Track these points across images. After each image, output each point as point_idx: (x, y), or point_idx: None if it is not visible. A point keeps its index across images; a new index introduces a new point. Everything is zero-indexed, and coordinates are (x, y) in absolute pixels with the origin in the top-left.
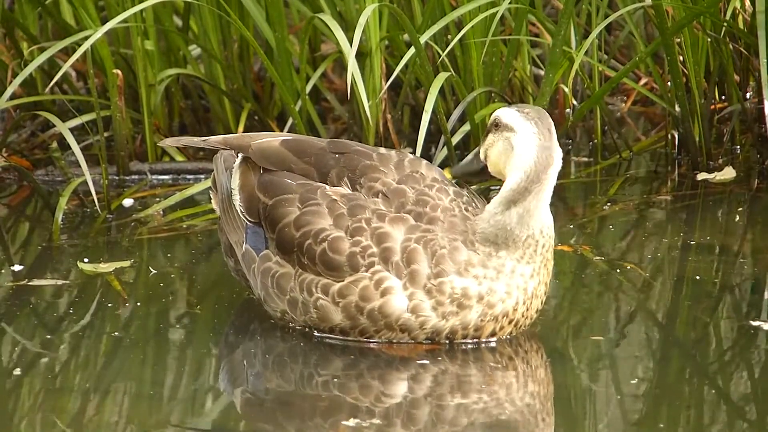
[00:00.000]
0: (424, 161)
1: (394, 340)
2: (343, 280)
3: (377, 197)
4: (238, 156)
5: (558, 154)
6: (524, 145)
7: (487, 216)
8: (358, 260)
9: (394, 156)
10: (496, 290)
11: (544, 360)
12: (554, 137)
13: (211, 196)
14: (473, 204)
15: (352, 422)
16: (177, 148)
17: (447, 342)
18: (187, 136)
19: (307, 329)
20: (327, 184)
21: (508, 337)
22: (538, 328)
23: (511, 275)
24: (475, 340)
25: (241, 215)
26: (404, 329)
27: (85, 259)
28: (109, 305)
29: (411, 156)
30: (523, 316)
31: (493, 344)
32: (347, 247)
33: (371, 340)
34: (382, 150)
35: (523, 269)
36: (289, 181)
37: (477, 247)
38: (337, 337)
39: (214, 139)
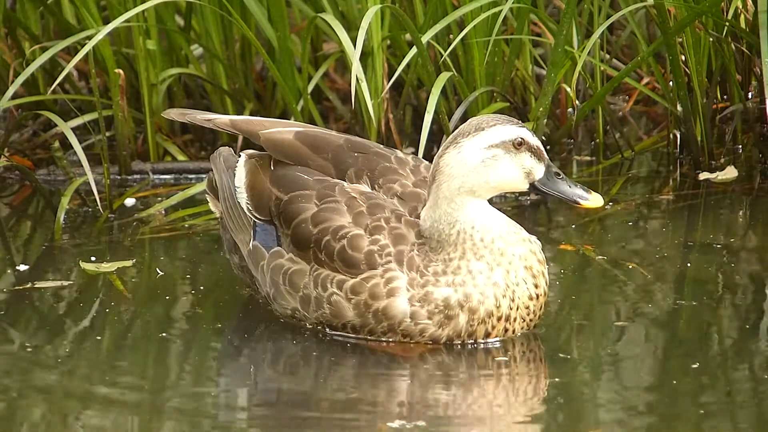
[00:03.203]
0: None
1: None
2: (356, 277)
3: (394, 198)
4: (240, 154)
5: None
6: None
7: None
8: (376, 258)
9: (410, 160)
10: (471, 293)
11: (546, 359)
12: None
13: (209, 199)
14: None
15: (396, 423)
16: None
17: (458, 343)
18: (192, 113)
19: (318, 326)
20: (345, 181)
21: (516, 333)
22: (542, 329)
23: (476, 275)
24: (480, 341)
25: (248, 213)
26: (405, 335)
27: (92, 258)
28: (112, 305)
29: (426, 162)
30: (509, 308)
31: (497, 343)
32: (366, 245)
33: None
34: (400, 153)
35: (480, 266)
36: (305, 176)
37: (432, 256)
38: (349, 335)
39: (221, 121)
